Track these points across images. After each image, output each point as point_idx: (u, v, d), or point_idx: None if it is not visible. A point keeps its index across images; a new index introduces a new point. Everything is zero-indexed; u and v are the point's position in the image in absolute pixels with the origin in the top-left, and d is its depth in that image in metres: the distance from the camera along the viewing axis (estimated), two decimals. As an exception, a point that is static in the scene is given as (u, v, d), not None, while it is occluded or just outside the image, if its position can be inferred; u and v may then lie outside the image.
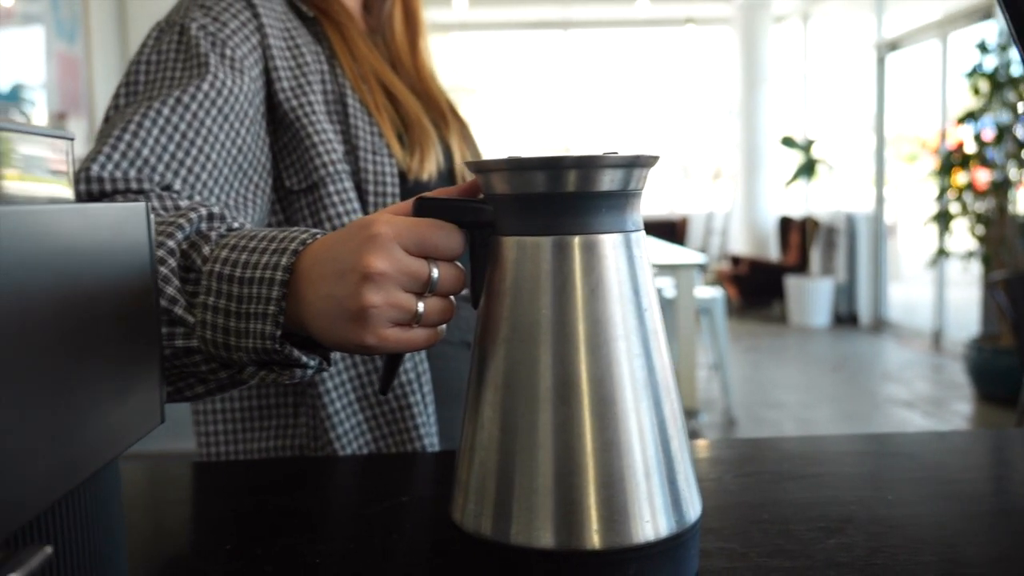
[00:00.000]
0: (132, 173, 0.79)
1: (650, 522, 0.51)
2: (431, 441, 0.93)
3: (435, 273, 0.56)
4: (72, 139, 0.41)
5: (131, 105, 0.85)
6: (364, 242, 0.56)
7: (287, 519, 0.72)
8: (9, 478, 0.35)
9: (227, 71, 0.87)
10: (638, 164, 0.53)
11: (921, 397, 5.09)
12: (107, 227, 0.45)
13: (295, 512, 0.74)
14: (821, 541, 0.65)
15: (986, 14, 5.89)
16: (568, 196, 0.51)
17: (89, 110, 4.17)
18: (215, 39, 0.88)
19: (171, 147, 0.81)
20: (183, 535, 0.73)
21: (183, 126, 0.83)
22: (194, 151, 0.83)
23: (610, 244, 0.52)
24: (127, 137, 0.80)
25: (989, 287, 5.25)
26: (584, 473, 0.51)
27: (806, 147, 7.59)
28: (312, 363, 0.65)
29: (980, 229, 5.14)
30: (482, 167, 0.54)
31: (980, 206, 5.16)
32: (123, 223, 0.46)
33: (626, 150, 0.52)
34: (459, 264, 0.58)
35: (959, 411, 4.81)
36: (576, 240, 0.52)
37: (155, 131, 0.81)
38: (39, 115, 3.67)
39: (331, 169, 0.92)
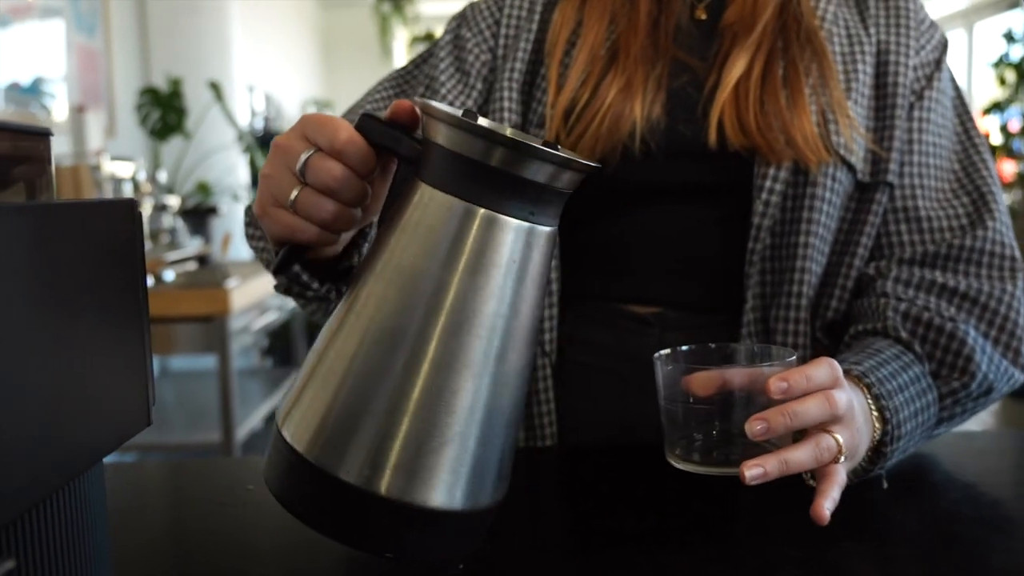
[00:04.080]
0: None
1: (439, 490, 0.51)
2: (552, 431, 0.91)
3: (303, 157, 0.56)
4: (50, 135, 0.40)
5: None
6: None
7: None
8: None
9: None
10: (570, 167, 0.52)
11: (944, 392, 5.01)
12: (93, 224, 0.43)
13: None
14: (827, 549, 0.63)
15: (1013, 3, 5.79)
16: (491, 170, 0.51)
17: (108, 102, 4.18)
18: (457, 41, 0.98)
19: None
20: (168, 534, 0.73)
21: None
22: None
23: (513, 228, 0.52)
24: None
25: (1014, 280, 5.16)
26: (398, 421, 0.51)
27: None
28: (314, 285, 0.65)
29: (1005, 222, 5.06)
30: (424, 109, 0.54)
31: (1006, 199, 5.08)
32: (110, 221, 0.45)
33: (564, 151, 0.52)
34: (342, 166, 0.55)
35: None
36: (481, 212, 0.51)
37: None
38: (59, 108, 3.69)
39: None
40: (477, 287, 0.51)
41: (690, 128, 0.88)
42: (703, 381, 0.64)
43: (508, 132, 0.58)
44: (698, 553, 0.62)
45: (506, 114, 0.93)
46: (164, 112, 4.25)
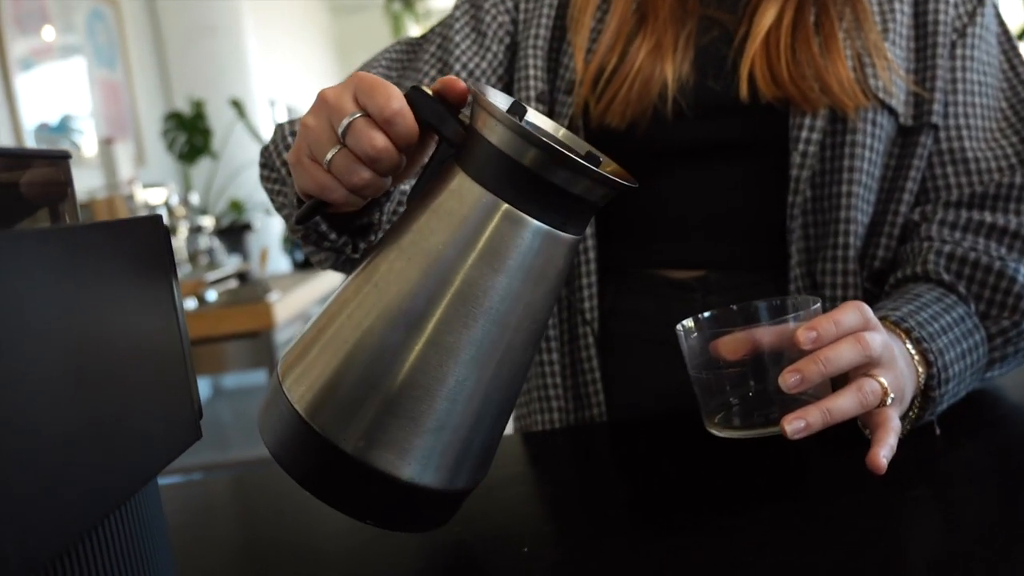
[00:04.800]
0: None
1: (410, 465, 0.52)
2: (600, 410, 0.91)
3: (347, 119, 0.55)
4: (69, 157, 0.40)
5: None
6: None
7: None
8: (42, 505, 0.34)
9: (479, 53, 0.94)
10: (604, 183, 0.52)
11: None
12: (120, 244, 0.44)
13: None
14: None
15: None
16: (530, 174, 0.51)
17: (135, 132, 4.24)
18: (475, 1, 0.96)
19: None
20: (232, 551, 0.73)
21: None
22: None
23: (538, 232, 0.52)
24: None
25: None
26: (400, 399, 0.52)
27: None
28: (331, 236, 0.68)
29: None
30: (477, 98, 0.53)
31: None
32: (136, 238, 0.45)
33: (608, 165, 0.52)
34: (385, 137, 0.54)
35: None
36: (507, 209, 0.51)
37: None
38: (88, 143, 3.75)
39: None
40: (494, 283, 0.52)
41: (719, 83, 0.86)
42: (732, 344, 0.62)
43: (561, 134, 0.58)
44: (758, 513, 0.61)
45: (532, 81, 0.91)
46: (190, 135, 4.31)
